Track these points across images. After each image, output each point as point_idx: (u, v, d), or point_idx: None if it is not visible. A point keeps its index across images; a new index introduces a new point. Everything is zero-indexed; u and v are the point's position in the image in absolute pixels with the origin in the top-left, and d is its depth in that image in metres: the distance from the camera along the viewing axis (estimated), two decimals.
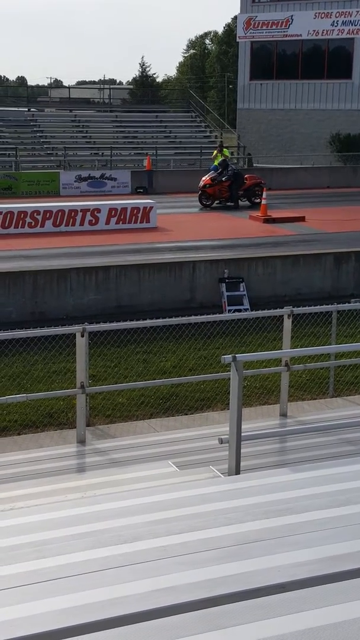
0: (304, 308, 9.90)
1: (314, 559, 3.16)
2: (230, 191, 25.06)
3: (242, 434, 6.01)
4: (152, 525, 3.69)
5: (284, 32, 41.02)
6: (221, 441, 6.01)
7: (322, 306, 10.37)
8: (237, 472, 5.89)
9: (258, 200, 24.47)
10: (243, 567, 3.13)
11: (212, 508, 3.91)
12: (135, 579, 3.05)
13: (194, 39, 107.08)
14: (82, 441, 8.26)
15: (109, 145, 35.54)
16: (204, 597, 2.86)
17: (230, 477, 5.64)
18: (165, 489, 4.96)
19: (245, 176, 25.89)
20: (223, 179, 25.04)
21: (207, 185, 25.14)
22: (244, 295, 15.13)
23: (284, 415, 9.09)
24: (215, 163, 25.86)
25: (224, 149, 28.08)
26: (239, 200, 25.28)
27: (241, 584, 2.95)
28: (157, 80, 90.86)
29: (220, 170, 25.09)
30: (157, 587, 2.95)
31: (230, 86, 78.86)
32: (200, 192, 25.35)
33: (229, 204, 25.19)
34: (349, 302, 12.55)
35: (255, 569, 3.10)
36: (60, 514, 4.14)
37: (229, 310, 14.52)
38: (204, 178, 25.44)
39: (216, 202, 25.35)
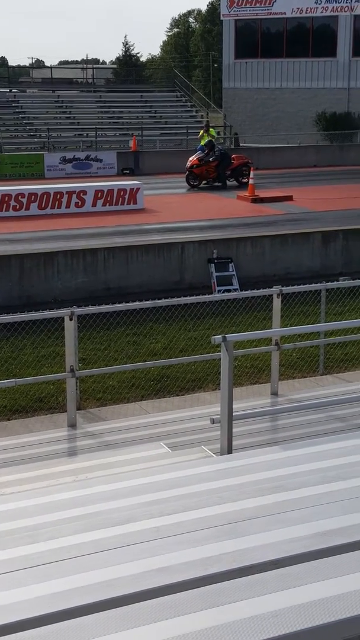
0: (293, 287, 9.90)
1: (306, 535, 3.18)
2: (218, 171, 24.96)
3: (234, 414, 6.02)
4: (145, 506, 3.69)
5: (268, 10, 40.73)
6: (213, 421, 6.02)
7: (310, 285, 10.36)
8: (229, 451, 5.90)
9: (245, 180, 24.39)
10: (237, 544, 3.14)
11: (205, 488, 3.91)
12: (130, 560, 3.05)
13: (177, 17, 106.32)
14: (73, 425, 8.25)
15: (93, 126, 35.30)
16: (199, 575, 2.87)
17: (223, 457, 5.65)
18: (158, 470, 4.97)
19: (233, 156, 25.80)
20: (210, 159, 24.94)
21: (195, 166, 25.04)
22: (233, 275, 15.11)
23: (274, 393, 9.11)
24: (202, 143, 25.74)
25: (211, 129, 27.93)
26: (227, 180, 25.21)
27: (235, 562, 2.96)
28: (141, 59, 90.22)
29: (207, 150, 24.98)
30: (151, 567, 2.96)
31: (215, 65, 78.37)
32: (187, 172, 25.24)
33: (216, 184, 25.11)
34: (338, 281, 12.55)
35: (249, 546, 3.11)
36: (53, 498, 4.14)
37: (219, 291, 14.50)
38: (191, 158, 25.33)
39: (203, 182, 25.26)
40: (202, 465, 4.77)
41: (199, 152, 25.26)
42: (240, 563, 2.94)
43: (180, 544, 3.18)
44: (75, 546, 3.25)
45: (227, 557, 3.01)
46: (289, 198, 22.78)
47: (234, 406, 6.05)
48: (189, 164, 25.20)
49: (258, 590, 2.69)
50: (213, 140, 26.07)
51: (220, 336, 6.00)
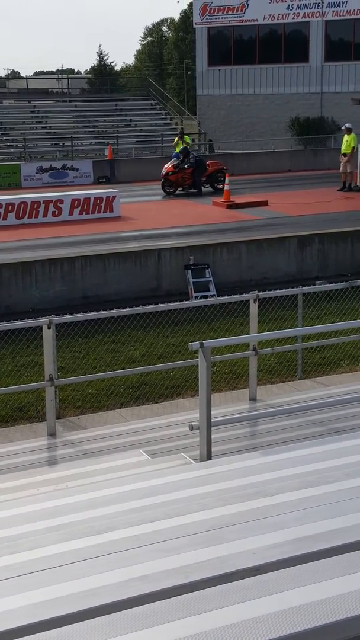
0: (270, 292, 9.94)
1: (286, 541, 3.19)
2: (193, 178, 25.02)
3: (212, 420, 6.03)
4: (125, 514, 3.69)
5: (240, 17, 40.96)
6: (191, 428, 6.02)
7: (287, 289, 10.42)
8: (209, 457, 5.91)
9: (221, 186, 24.45)
10: (217, 551, 3.14)
11: (184, 495, 3.92)
12: (110, 569, 3.05)
13: (151, 26, 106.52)
14: (52, 434, 8.23)
15: (69, 136, 35.27)
16: (179, 583, 2.87)
17: (202, 463, 5.66)
18: (137, 477, 4.97)
19: (208, 162, 25.87)
20: (185, 166, 25.00)
21: (170, 173, 25.08)
22: (210, 281, 15.14)
23: (253, 399, 9.13)
24: (177, 150, 25.81)
25: (185, 136, 28.02)
26: (202, 187, 25.28)
27: (216, 569, 2.97)
28: (116, 68, 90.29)
29: (182, 157, 25.04)
30: (132, 575, 2.95)
31: (189, 73, 78.60)
32: (163, 179, 25.28)
33: (192, 190, 25.17)
34: (314, 285, 12.63)
35: (230, 553, 3.12)
36: (33, 507, 4.12)
37: (196, 297, 14.52)
38: (166, 166, 25.37)
39: (179, 189, 25.31)
40: (181, 472, 4.77)
41: (174, 159, 25.30)
42: (221, 570, 2.95)
43: (161, 551, 3.18)
44: (56, 556, 3.24)
45: (207, 564, 3.01)
46: (265, 203, 22.88)
47: (212, 412, 6.07)
48: (164, 171, 25.23)
49: (239, 597, 2.69)
50: (188, 147, 26.14)
51: (197, 342, 6.02)
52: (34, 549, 3.35)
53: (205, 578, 2.88)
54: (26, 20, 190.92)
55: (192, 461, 6.18)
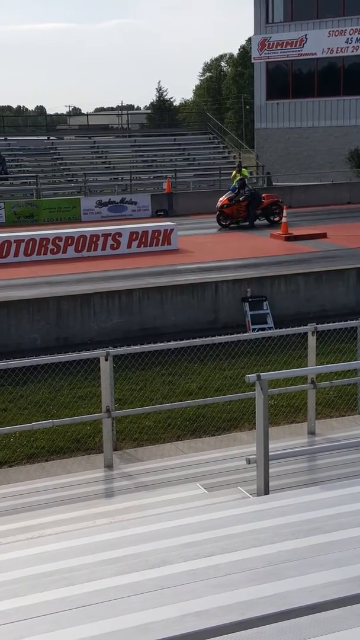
0: (328, 324, 9.84)
1: (345, 579, 3.12)
2: (248, 211, 25.07)
3: (270, 454, 5.97)
4: (181, 548, 3.66)
5: (299, 51, 41.23)
6: (249, 461, 5.97)
7: (346, 322, 10.29)
8: (266, 492, 5.84)
9: (277, 219, 24.45)
10: (274, 588, 3.09)
11: (241, 529, 3.87)
12: (165, 604, 3.02)
13: (209, 62, 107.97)
14: (109, 466, 8.25)
15: (128, 170, 35.79)
16: (235, 620, 2.82)
17: (259, 498, 5.59)
18: (194, 511, 4.93)
19: (263, 195, 25.90)
20: (240, 198, 25.08)
21: (225, 206, 25.19)
22: (268, 313, 15.08)
23: (312, 433, 9.02)
24: (234, 183, 25.94)
25: (243, 169, 28.15)
26: (257, 219, 25.28)
27: (273, 606, 2.92)
28: (174, 104, 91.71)
29: (237, 190, 25.15)
30: (187, 611, 2.92)
31: (247, 107, 79.29)
32: (217, 212, 25.40)
33: (244, 223, 25.18)
34: None
35: (287, 590, 3.06)
36: (89, 540, 4.12)
37: (253, 330, 14.47)
38: (221, 198, 25.50)
39: (234, 222, 25.37)
40: (238, 506, 4.72)
41: (230, 192, 25.42)
42: (278, 607, 2.89)
43: (217, 587, 3.14)
44: (112, 589, 3.23)
45: (264, 601, 2.96)
46: (323, 235, 22.76)
47: (270, 446, 6.00)
48: (219, 204, 25.36)
49: (295, 636, 2.64)
50: (245, 179, 26.22)
51: (254, 375, 5.98)
52: (89, 581, 3.34)
53: (262, 615, 2.83)
54: (87, 58, 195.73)
55: (249, 495, 6.12)
